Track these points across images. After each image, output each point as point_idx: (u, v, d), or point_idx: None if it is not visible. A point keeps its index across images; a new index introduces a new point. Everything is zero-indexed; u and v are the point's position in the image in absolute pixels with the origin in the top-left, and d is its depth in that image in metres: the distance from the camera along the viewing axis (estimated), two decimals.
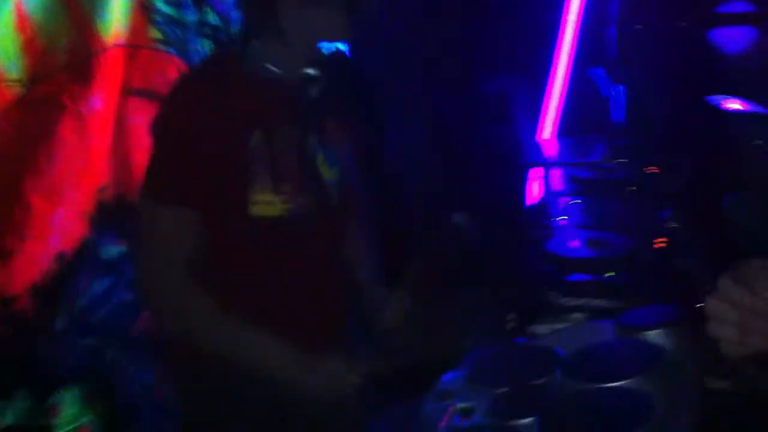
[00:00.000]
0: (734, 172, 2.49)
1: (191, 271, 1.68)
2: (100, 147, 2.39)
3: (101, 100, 2.37)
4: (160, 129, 1.77)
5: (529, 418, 1.30)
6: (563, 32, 3.40)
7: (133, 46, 2.46)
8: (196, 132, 1.66)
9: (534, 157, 3.19)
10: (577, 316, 1.89)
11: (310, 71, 1.74)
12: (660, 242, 2.13)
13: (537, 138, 3.43)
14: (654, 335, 1.46)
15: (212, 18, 2.75)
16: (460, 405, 1.41)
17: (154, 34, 2.52)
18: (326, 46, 1.76)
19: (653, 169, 2.83)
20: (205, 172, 1.66)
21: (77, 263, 2.32)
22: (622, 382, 1.35)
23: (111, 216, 2.42)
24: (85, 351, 2.39)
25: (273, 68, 1.72)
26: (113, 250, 2.45)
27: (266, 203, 1.68)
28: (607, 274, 1.99)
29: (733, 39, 3.00)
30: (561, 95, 3.45)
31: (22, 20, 2.16)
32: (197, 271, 1.68)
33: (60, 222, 2.27)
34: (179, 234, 1.68)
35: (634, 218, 2.48)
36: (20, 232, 2.14)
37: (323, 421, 1.75)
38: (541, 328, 1.83)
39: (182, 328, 1.72)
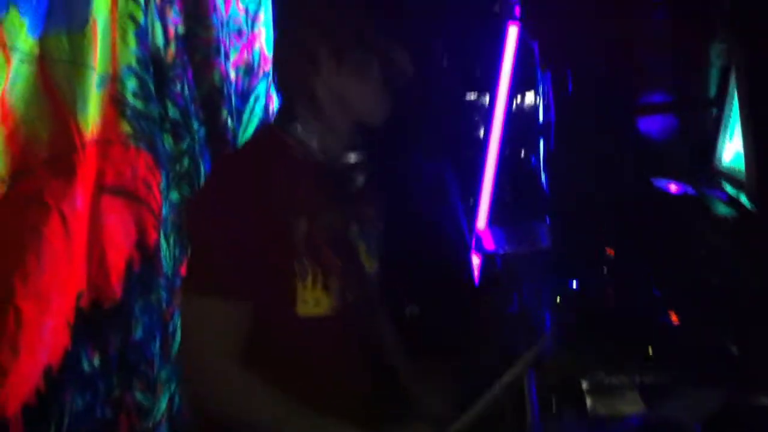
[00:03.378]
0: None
1: (239, 363, 1.57)
2: (79, 249, 2.18)
3: (81, 198, 2.18)
4: (203, 218, 1.65)
5: None
6: (492, 130, 3.51)
7: (107, 140, 2.31)
8: (239, 219, 1.56)
9: (479, 246, 3.23)
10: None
11: (353, 155, 1.69)
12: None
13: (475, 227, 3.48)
14: None
15: (172, 112, 2.63)
16: None
17: (125, 128, 2.37)
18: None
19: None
20: (251, 262, 1.55)
21: (62, 378, 2.08)
22: None
23: (88, 324, 2.21)
24: None
25: (316, 151, 1.66)
26: (91, 362, 2.22)
27: (315, 302, 1.60)
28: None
29: (658, 126, 3.21)
30: (491, 186, 3.53)
31: (4, 112, 1.97)
32: (244, 363, 1.58)
33: (47, 332, 2.04)
34: (228, 327, 1.57)
35: None
36: (14, 346, 1.90)
37: None
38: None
39: (234, 418, 1.58)
